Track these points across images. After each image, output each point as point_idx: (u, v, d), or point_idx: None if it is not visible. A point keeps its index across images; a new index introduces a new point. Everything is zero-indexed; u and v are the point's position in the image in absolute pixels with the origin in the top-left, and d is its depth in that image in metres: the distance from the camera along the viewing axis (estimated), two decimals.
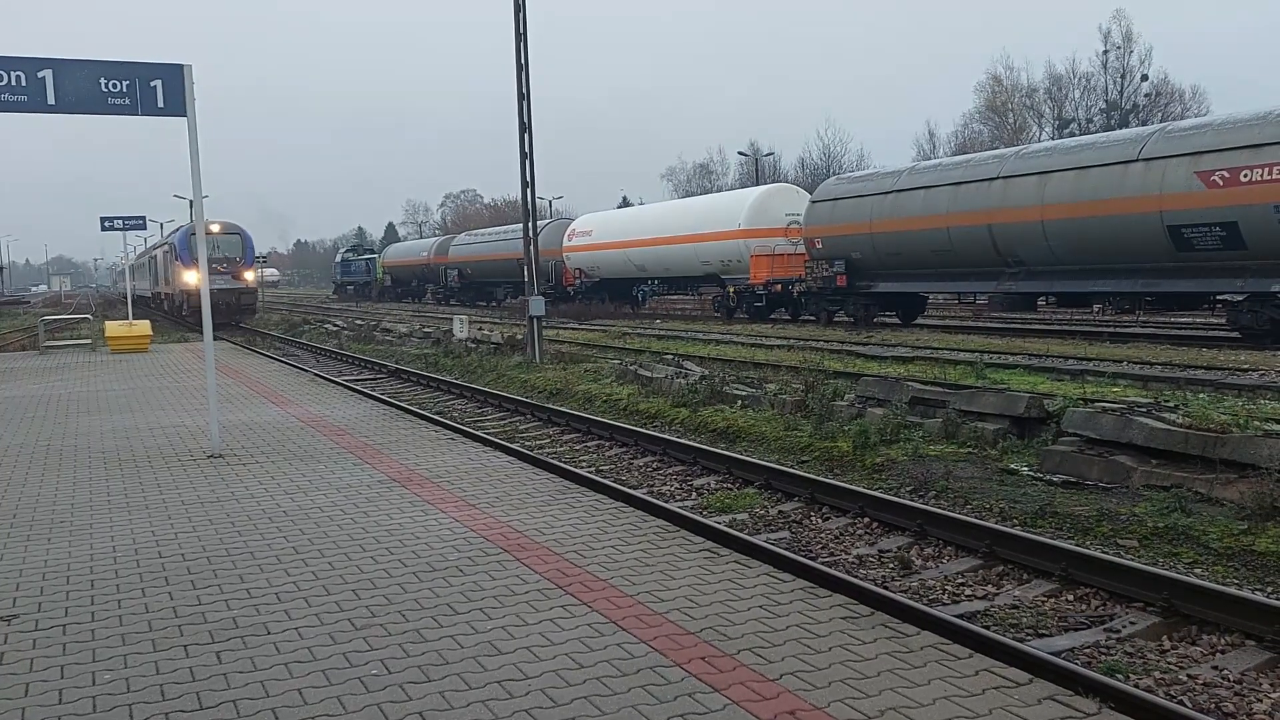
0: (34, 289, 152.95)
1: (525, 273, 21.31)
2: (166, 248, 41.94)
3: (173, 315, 41.12)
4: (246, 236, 39.17)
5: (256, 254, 42.53)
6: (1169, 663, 5.12)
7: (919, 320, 29.30)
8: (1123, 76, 62.18)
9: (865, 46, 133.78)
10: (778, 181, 56.03)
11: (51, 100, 8.29)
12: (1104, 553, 6.58)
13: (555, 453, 11.28)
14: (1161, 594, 5.68)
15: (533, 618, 4.61)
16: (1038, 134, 63.44)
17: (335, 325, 35.71)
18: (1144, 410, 9.01)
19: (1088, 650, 5.26)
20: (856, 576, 6.43)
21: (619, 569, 5.31)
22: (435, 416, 13.43)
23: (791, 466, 9.58)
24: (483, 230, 60.89)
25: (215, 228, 36.98)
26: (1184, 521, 7.06)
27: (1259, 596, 5.68)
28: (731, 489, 9.14)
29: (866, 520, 7.82)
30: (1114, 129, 47.59)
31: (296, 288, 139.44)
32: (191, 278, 35.60)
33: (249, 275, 38.88)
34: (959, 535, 7.08)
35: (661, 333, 27.22)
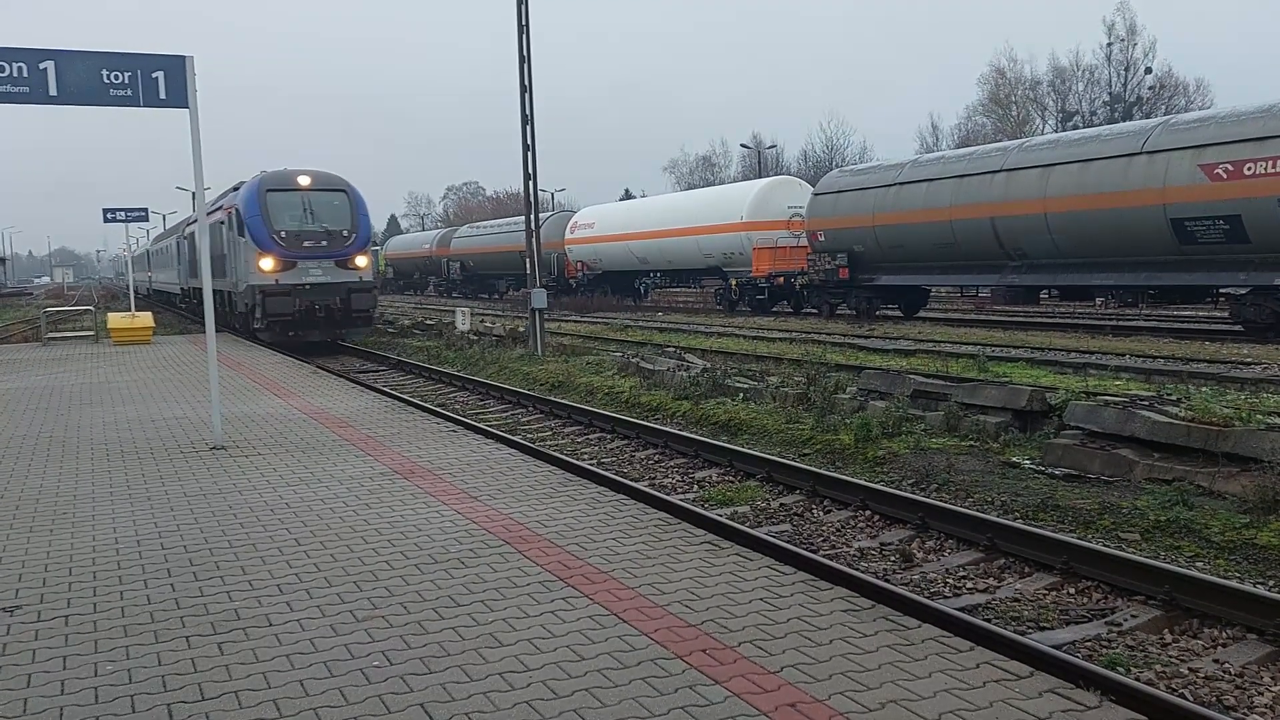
0: (37, 281, 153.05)
1: (527, 265, 21.30)
2: (222, 216, 24.77)
3: (230, 325, 24.85)
4: (356, 197, 23.04)
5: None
6: (1170, 656, 5.12)
7: (921, 313, 29.29)
8: (1126, 69, 62.04)
9: (869, 38, 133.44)
10: (780, 174, 56.00)
11: (53, 91, 8.28)
12: (1106, 546, 6.57)
13: (557, 445, 11.28)
14: (1163, 587, 5.68)
15: (534, 610, 4.61)
16: (1041, 127, 63.30)
17: None
18: (1146, 404, 9.00)
19: (1089, 643, 5.26)
20: (858, 569, 6.44)
21: (620, 561, 5.32)
22: (437, 409, 13.44)
23: (793, 459, 9.58)
24: (485, 223, 60.85)
25: (304, 180, 22.39)
26: (1186, 515, 7.06)
27: (1261, 590, 5.67)
28: (733, 482, 9.14)
29: (868, 513, 7.82)
30: (1118, 122, 47.48)
31: None
32: (268, 263, 21.44)
33: (363, 260, 22.74)
34: (960, 528, 7.08)
35: (663, 325, 27.21)
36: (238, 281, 22.79)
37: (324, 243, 21.89)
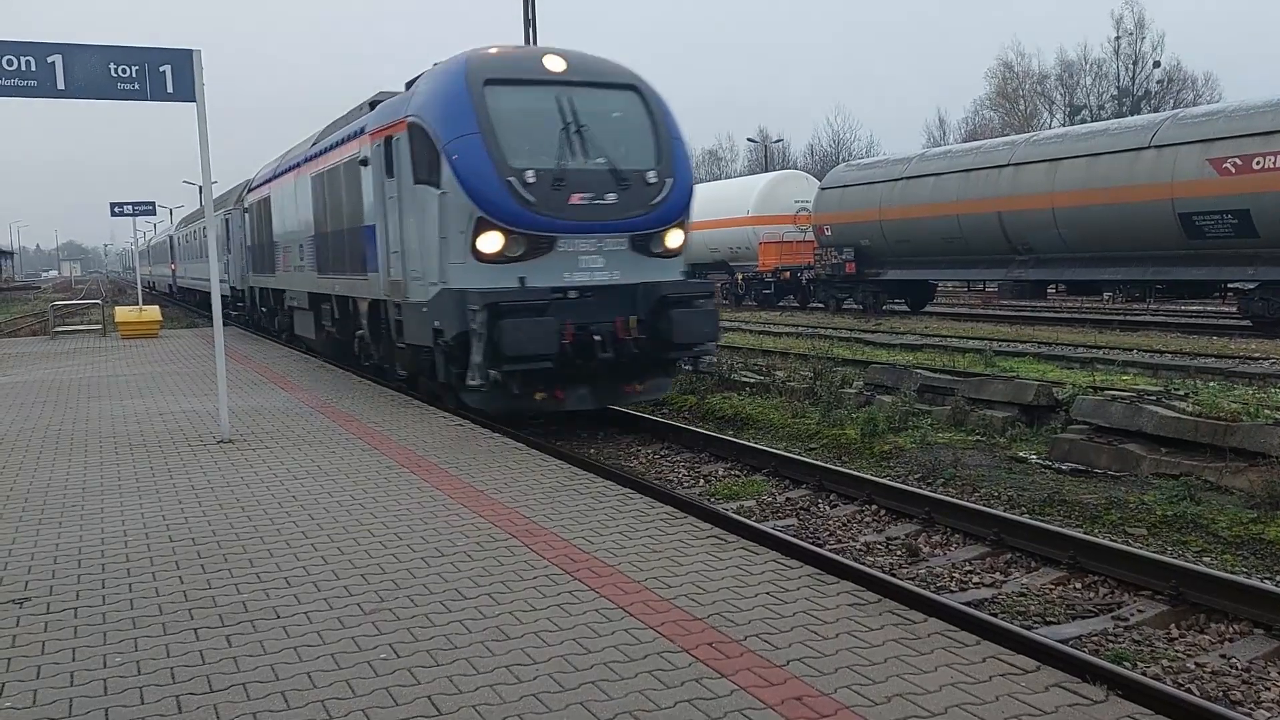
0: (45, 274, 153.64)
1: None
2: (357, 149, 12.52)
3: (361, 358, 14.12)
4: (657, 103, 10.87)
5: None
6: (1177, 651, 5.12)
7: (928, 308, 29.25)
8: (1135, 63, 61.83)
9: (875, 32, 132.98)
10: (787, 168, 55.95)
11: (61, 85, 8.31)
12: (1112, 541, 6.57)
13: (563, 439, 11.28)
14: (1170, 582, 5.67)
15: (540, 603, 4.62)
16: (1048, 121, 63.10)
17: None
18: (1154, 398, 8.98)
19: (1095, 638, 5.26)
20: (864, 564, 6.44)
21: (627, 555, 5.33)
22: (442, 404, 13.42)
23: (799, 454, 9.58)
24: None
25: (555, 63, 10.47)
26: (1193, 510, 7.05)
27: (1267, 585, 5.66)
28: (739, 476, 9.14)
29: (874, 507, 7.81)
30: (1125, 116, 47.31)
31: None
32: (495, 242, 9.78)
33: (677, 238, 10.65)
34: (967, 523, 7.07)
35: None
36: (407, 282, 10.92)
37: (610, 197, 10.16)
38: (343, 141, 13.41)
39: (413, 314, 10.86)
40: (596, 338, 9.85)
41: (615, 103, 10.74)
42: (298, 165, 16.53)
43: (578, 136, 10.16)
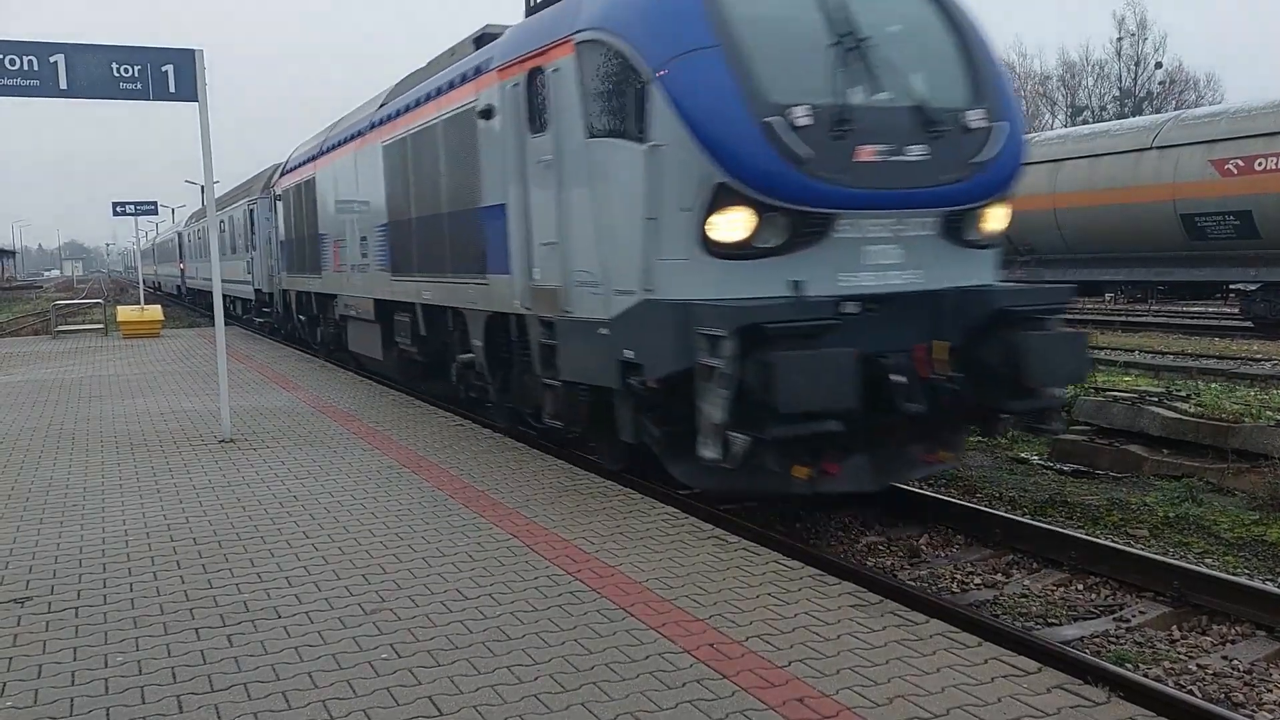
0: (46, 274, 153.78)
1: None
2: (472, 95, 8.60)
3: (482, 408, 10.37)
4: (959, 12, 6.92)
5: None
6: (1178, 652, 5.11)
7: None
8: (1136, 64, 61.73)
9: None
10: None
11: (64, 85, 8.33)
12: (1114, 542, 6.56)
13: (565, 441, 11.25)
14: (1171, 584, 5.67)
15: (541, 604, 4.62)
16: (1050, 121, 63.05)
17: None
18: (1155, 400, 8.98)
19: (1097, 639, 5.26)
20: (865, 565, 6.43)
21: (628, 556, 5.32)
22: (445, 403, 13.43)
23: None
24: None
25: None
26: (1195, 511, 7.05)
27: (1269, 587, 5.66)
28: None
29: (876, 508, 7.79)
30: (1127, 117, 47.27)
31: None
32: (743, 224, 5.99)
33: (1001, 217, 6.74)
34: (968, 524, 7.07)
35: None
36: (569, 288, 7.28)
37: (914, 151, 6.26)
38: (441, 91, 9.56)
39: (580, 337, 7.20)
40: (898, 379, 6.11)
41: (903, 8, 7.01)
42: (360, 134, 12.60)
43: (857, 57, 6.38)
